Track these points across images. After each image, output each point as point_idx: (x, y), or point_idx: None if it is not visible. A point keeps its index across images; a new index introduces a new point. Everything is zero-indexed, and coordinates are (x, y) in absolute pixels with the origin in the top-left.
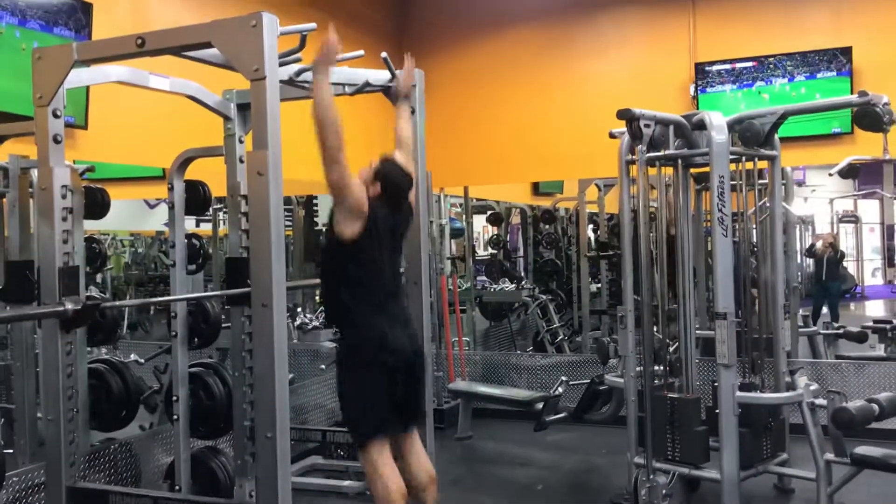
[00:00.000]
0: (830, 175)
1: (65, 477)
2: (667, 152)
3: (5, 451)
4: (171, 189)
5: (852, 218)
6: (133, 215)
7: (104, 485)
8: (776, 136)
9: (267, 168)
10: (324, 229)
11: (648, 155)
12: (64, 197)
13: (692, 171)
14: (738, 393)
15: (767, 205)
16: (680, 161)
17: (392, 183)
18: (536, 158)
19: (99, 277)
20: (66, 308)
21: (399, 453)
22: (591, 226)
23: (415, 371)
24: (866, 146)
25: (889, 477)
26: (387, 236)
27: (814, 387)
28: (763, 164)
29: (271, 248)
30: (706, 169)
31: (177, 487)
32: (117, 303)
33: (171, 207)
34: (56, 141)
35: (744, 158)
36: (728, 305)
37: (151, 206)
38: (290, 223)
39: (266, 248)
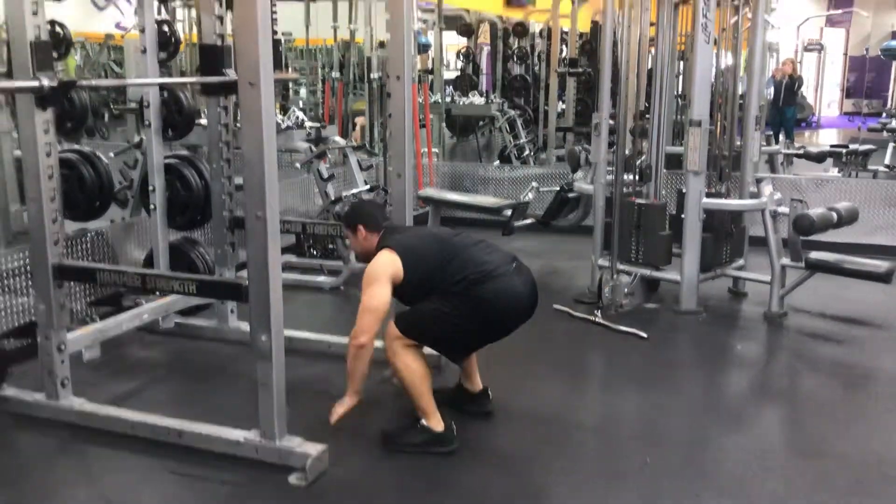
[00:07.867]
0: None
1: (50, 255)
2: None
3: None
4: None
5: (817, 46)
6: (79, 16)
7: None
8: None
9: None
10: None
11: None
12: None
13: None
14: (705, 199)
15: (749, 16)
16: None
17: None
18: None
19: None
20: (42, 83)
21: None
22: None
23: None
24: None
25: (839, 282)
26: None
27: (777, 196)
28: None
29: (258, 23)
30: None
31: None
32: (94, 81)
33: None
34: None
35: None
36: (703, 113)
37: (100, 8)
38: None
39: (252, 22)
